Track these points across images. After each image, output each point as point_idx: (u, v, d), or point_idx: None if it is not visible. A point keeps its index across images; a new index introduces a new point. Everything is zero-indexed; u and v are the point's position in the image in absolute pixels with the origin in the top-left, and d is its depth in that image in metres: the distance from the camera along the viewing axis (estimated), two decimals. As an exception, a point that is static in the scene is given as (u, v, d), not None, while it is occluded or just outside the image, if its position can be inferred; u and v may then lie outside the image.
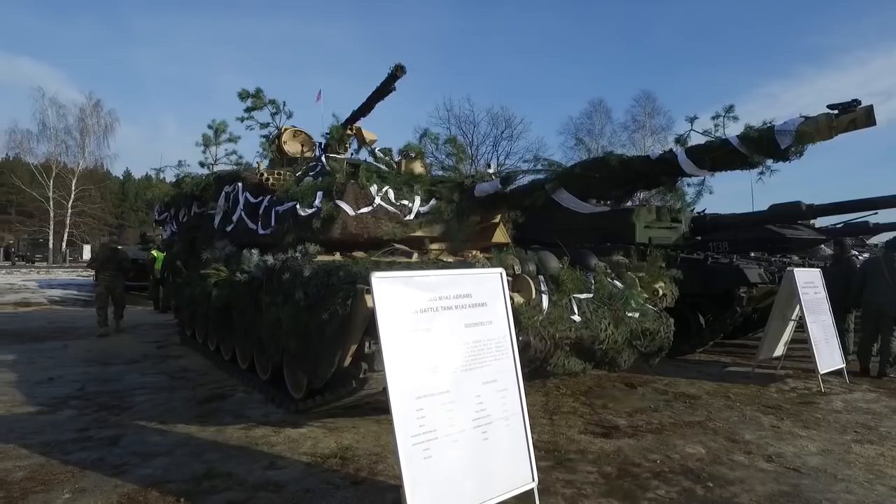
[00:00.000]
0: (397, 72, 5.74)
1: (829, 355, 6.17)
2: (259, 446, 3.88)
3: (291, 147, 7.15)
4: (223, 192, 6.24)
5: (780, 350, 6.73)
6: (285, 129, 7.20)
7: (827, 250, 11.01)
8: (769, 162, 3.93)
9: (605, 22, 59.50)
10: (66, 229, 41.30)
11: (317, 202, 5.24)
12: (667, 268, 5.58)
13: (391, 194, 5.35)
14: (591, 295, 4.09)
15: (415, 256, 4.88)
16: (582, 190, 4.88)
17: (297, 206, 5.25)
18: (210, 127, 8.45)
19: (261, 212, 5.69)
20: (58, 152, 40.30)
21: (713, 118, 4.19)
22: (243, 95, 7.09)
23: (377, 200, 5.24)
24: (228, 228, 6.04)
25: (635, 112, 34.61)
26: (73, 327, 9.91)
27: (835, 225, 10.79)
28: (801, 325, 6.26)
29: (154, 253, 12.81)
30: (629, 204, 7.70)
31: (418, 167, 6.05)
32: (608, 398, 5.43)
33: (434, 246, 5.75)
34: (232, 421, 4.48)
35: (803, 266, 7.98)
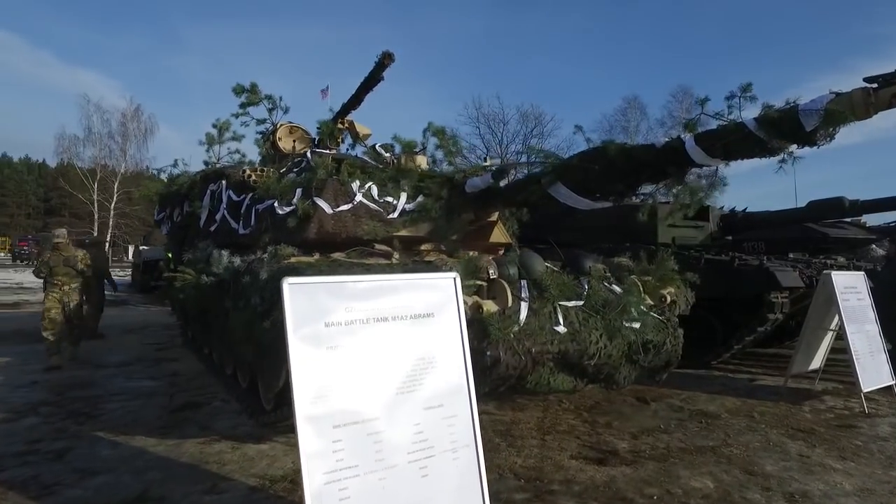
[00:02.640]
0: (385, 59, 5.35)
1: (874, 371, 5.43)
2: (209, 465, 3.54)
3: (286, 144, 6.86)
4: (208, 191, 5.99)
5: (816, 363, 6.01)
6: (281, 125, 6.92)
7: (879, 251, 10.06)
8: (792, 147, 3.36)
9: (642, 18, 57.68)
10: (109, 231, 42.80)
11: (295, 200, 4.92)
12: (685, 270, 5.00)
13: (374, 191, 4.96)
14: (580, 302, 3.59)
15: (395, 257, 4.48)
16: (581, 184, 4.38)
17: (275, 205, 4.93)
18: (214, 126, 8.29)
19: (242, 210, 5.41)
20: (102, 156, 41.90)
21: (727, 98, 3.64)
22: (238, 90, 6.85)
23: (358, 197, 4.86)
24: (212, 228, 5.79)
25: (672, 107, 33.25)
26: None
27: (889, 223, 9.84)
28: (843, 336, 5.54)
29: (170, 254, 12.87)
30: (649, 199, 7.16)
31: (422, 163, 5.65)
32: (614, 415, 4.88)
33: (426, 247, 5.33)
34: (195, 433, 4.18)
35: (849, 268, 7.20)
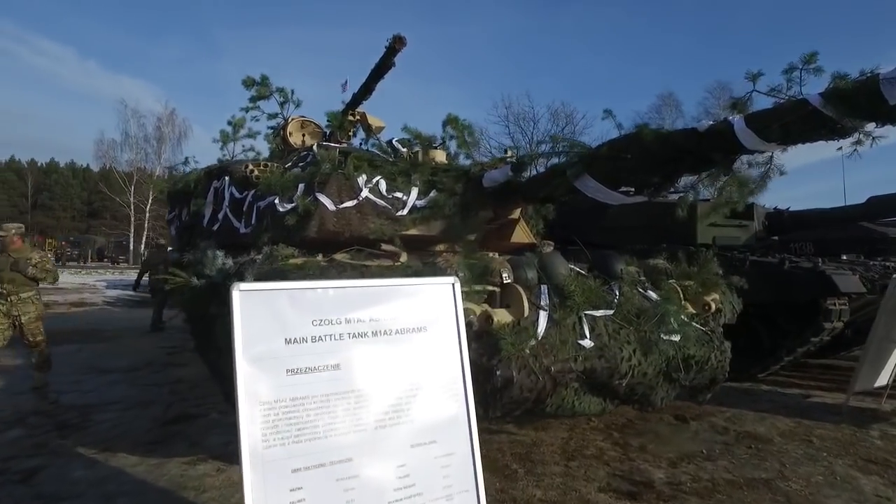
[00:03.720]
0: (396, 44, 4.94)
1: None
2: (186, 490, 3.17)
3: (297, 139, 6.52)
4: (211, 188, 5.67)
5: (884, 379, 5.30)
6: (292, 119, 6.57)
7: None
8: (870, 127, 2.80)
9: (678, 11, 55.88)
10: (145, 232, 43.79)
11: (297, 196, 4.53)
12: (728, 274, 4.41)
13: (383, 185, 4.53)
14: (610, 311, 3.07)
15: (402, 258, 4.04)
16: (611, 175, 3.87)
17: (276, 202, 4.56)
18: (229, 123, 8.03)
19: (244, 208, 5.06)
20: (138, 160, 42.96)
21: (785, 72, 3.08)
22: (248, 83, 6.53)
23: (364, 193, 4.43)
24: (215, 227, 5.46)
25: (708, 104, 31.88)
26: (103, 329, 9.83)
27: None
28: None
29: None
30: (690, 194, 6.60)
31: (440, 159, 5.20)
32: (649, 436, 4.33)
33: (441, 247, 4.88)
34: (182, 451, 3.83)
35: (914, 272, 6.44)
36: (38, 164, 73.87)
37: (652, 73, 55.47)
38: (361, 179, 4.51)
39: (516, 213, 4.97)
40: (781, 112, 3.01)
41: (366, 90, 5.50)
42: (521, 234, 5.22)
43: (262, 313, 1.79)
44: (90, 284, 20.06)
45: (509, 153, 4.76)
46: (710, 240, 7.21)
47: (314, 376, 1.82)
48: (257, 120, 6.65)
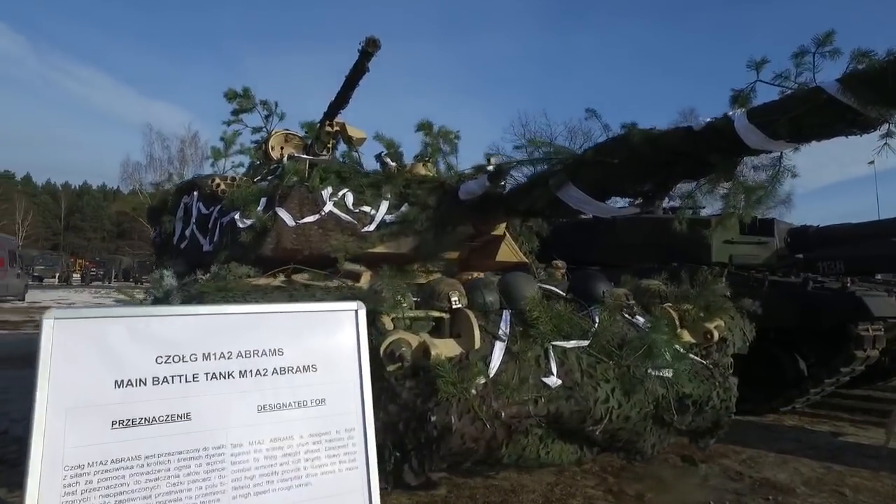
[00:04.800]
0: (368, 46, 4.58)
1: None
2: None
3: (279, 153, 6.22)
4: (181, 204, 5.38)
5: (927, 416, 4.63)
6: (275, 133, 6.29)
7: None
8: (900, 117, 2.32)
9: (698, 27, 55.16)
10: (168, 252, 44.52)
11: (259, 210, 4.19)
12: (744, 295, 3.89)
13: (349, 199, 4.16)
14: (585, 342, 2.58)
15: (363, 279, 3.63)
16: (597, 184, 3.44)
17: (236, 217, 4.21)
18: (222, 139, 7.82)
19: (210, 224, 4.74)
20: (162, 181, 43.84)
21: (794, 56, 2.61)
22: (230, 96, 6.28)
23: (328, 207, 4.06)
24: (182, 245, 5.15)
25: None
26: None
27: None
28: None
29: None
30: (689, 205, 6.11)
31: (421, 170, 4.81)
32: (650, 482, 3.76)
33: (419, 267, 4.46)
34: None
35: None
36: (72, 187, 76.42)
37: (673, 89, 54.79)
38: (326, 192, 4.15)
39: (500, 229, 4.53)
40: (791, 103, 2.55)
41: (341, 99, 5.16)
42: (508, 253, 4.76)
43: (84, 348, 1.39)
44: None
45: (492, 160, 4.32)
46: (727, 258, 6.63)
47: (152, 430, 1.40)
48: (240, 134, 6.39)
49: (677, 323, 3.03)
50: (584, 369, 2.50)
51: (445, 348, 2.29)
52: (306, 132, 5.45)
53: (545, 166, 3.66)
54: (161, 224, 7.09)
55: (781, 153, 2.77)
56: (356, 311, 1.71)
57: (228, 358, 1.53)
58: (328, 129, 5.52)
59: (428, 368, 2.16)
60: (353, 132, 5.66)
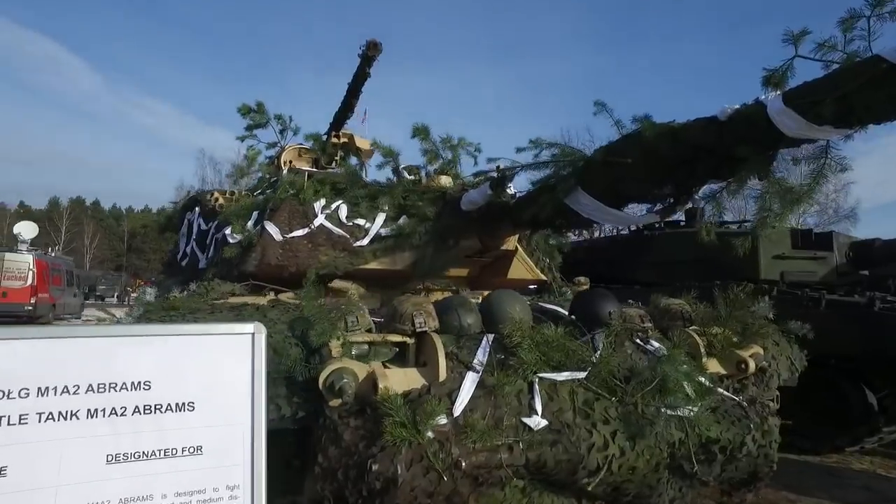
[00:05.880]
0: (370, 50, 4.35)
1: None
2: None
3: (292, 167, 6.06)
4: (185, 220, 5.25)
5: None
6: (288, 148, 6.14)
7: None
8: None
9: (756, 47, 53.05)
10: (219, 272, 46.01)
11: (249, 225, 3.96)
12: (791, 317, 3.33)
13: (343, 211, 3.86)
14: (581, 374, 2.12)
15: (352, 292, 3.30)
16: (610, 189, 3.01)
17: (227, 232, 4.00)
18: (246, 157, 7.79)
19: (208, 240, 4.56)
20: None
21: (842, 22, 2.14)
22: (244, 111, 6.20)
23: (319, 220, 3.78)
24: (184, 262, 5.00)
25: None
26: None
27: None
28: None
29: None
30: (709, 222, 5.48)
31: (443, 183, 4.46)
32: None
33: (430, 285, 4.10)
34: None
35: None
36: (134, 211, 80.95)
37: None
38: (318, 205, 3.87)
39: (511, 244, 4.11)
40: (839, 79, 2.08)
41: (346, 107, 4.95)
42: (522, 270, 4.33)
43: None
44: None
45: (500, 166, 3.93)
46: (778, 275, 5.94)
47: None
48: (253, 149, 6.28)
49: (702, 350, 2.52)
50: (579, 407, 2.04)
51: (401, 380, 1.91)
52: (312, 144, 5.24)
53: (551, 170, 3.27)
54: (168, 241, 7.07)
55: (828, 142, 2.26)
56: (252, 334, 1.36)
57: (74, 393, 1.21)
58: (335, 140, 5.31)
59: (374, 405, 1.78)
60: (362, 143, 5.42)
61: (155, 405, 1.27)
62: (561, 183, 3.15)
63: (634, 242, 7.59)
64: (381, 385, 1.80)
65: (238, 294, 3.56)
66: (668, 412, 2.16)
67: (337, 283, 3.56)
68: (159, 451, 1.25)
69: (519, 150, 3.40)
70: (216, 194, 4.67)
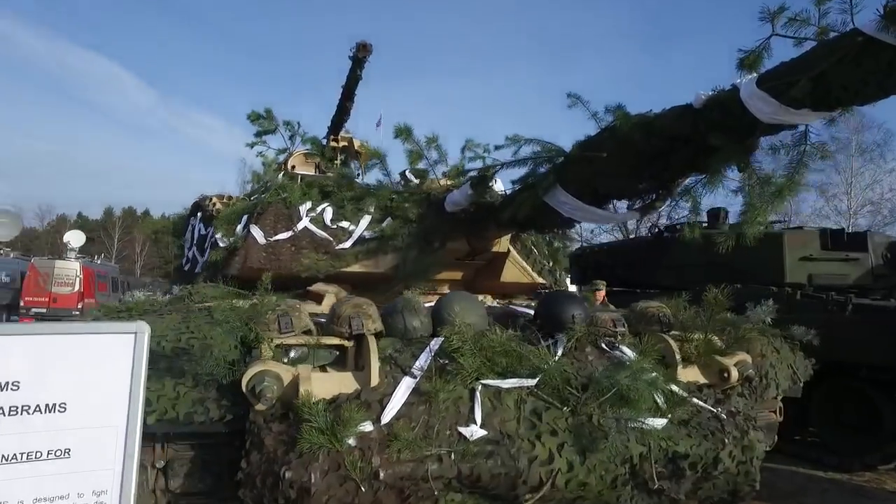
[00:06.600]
0: (360, 52, 4.32)
1: None
2: None
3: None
4: (189, 225, 5.34)
5: None
6: (295, 153, 6.19)
7: None
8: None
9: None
10: (259, 278, 47.26)
11: (239, 228, 3.99)
12: (817, 322, 3.10)
13: (328, 214, 3.83)
14: (531, 381, 1.98)
15: (325, 302, 3.25)
16: (587, 185, 2.87)
17: (218, 236, 4.04)
18: (263, 164, 7.92)
19: (206, 245, 4.62)
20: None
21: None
22: (253, 118, 6.29)
23: (303, 223, 3.76)
24: (186, 267, 5.09)
25: (834, 129, 27.38)
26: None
27: None
28: None
29: None
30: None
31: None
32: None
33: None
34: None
35: None
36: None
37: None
38: (304, 208, 3.85)
39: (503, 245, 3.97)
40: (814, 56, 1.90)
41: (342, 110, 4.93)
42: (516, 273, 4.19)
43: None
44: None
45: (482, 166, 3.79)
46: (805, 278, 5.56)
47: None
48: (262, 156, 6.36)
49: (678, 357, 2.33)
50: (525, 417, 1.90)
51: (331, 385, 1.82)
52: (311, 148, 5.26)
53: (530, 167, 3.14)
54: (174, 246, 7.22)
55: (806, 127, 2.06)
56: (135, 333, 1.30)
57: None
58: (333, 143, 5.31)
59: (295, 410, 1.70)
60: (361, 147, 5.40)
61: (22, 406, 1.22)
62: (540, 181, 3.03)
63: (654, 245, 7.29)
64: (301, 389, 1.72)
65: (220, 298, 3.57)
66: (631, 424, 1.99)
67: (316, 287, 3.52)
68: (21, 454, 1.20)
69: (497, 147, 3.29)
70: (214, 199, 4.73)
